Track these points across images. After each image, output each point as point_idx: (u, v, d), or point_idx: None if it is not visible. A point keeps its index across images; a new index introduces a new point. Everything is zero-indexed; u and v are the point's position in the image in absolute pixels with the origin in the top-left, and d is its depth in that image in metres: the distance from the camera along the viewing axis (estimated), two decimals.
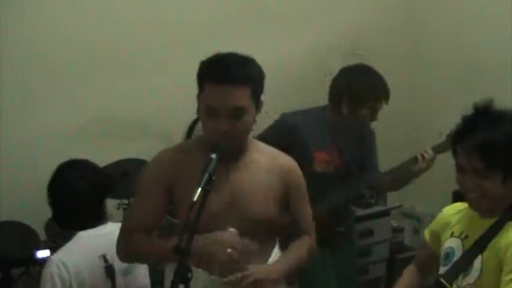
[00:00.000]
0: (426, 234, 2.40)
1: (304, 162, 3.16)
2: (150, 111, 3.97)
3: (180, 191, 2.30)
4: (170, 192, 2.32)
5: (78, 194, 2.62)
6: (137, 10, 3.93)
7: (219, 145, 2.15)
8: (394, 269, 4.39)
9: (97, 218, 2.68)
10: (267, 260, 2.35)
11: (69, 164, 2.72)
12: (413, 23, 4.75)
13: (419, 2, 4.75)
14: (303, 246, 2.45)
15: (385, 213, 4.53)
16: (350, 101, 3.16)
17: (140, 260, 2.50)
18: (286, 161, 2.43)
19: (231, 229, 2.21)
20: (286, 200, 2.39)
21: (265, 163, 2.35)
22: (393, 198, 4.57)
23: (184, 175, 2.29)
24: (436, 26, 4.66)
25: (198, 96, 2.28)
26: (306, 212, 2.50)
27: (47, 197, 2.68)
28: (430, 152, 3.14)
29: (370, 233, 4.33)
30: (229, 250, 2.19)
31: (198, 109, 2.31)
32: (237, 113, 2.19)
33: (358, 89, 3.16)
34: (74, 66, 3.79)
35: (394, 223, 4.62)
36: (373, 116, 3.20)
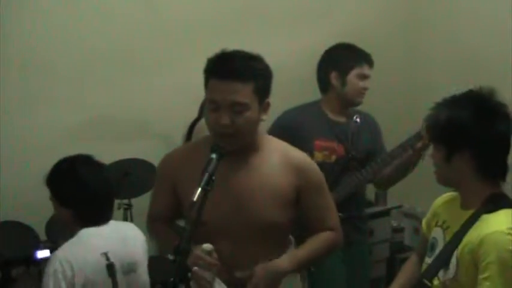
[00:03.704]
0: (423, 224, 2.44)
1: (305, 150, 3.22)
2: (150, 111, 3.97)
3: (182, 187, 2.35)
4: (175, 188, 2.39)
5: (98, 187, 2.62)
6: (137, 10, 3.93)
7: (219, 145, 2.15)
8: (394, 269, 4.39)
9: (109, 213, 2.68)
10: None
11: (81, 160, 2.70)
12: (413, 23, 4.75)
13: (419, 1, 4.75)
14: (322, 240, 2.41)
15: (385, 213, 4.54)
16: (337, 70, 3.32)
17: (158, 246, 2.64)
18: (299, 156, 2.39)
19: (204, 245, 2.17)
20: (298, 201, 2.35)
21: (276, 162, 2.32)
22: (393, 198, 4.57)
23: (187, 172, 2.32)
24: (435, 26, 4.66)
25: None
26: (328, 207, 2.44)
27: (62, 195, 2.63)
28: None
29: (370, 233, 4.32)
30: (195, 268, 2.15)
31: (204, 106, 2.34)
32: (238, 108, 2.20)
33: (341, 56, 3.36)
34: (74, 66, 3.79)
35: (394, 223, 4.62)
36: (363, 84, 3.30)
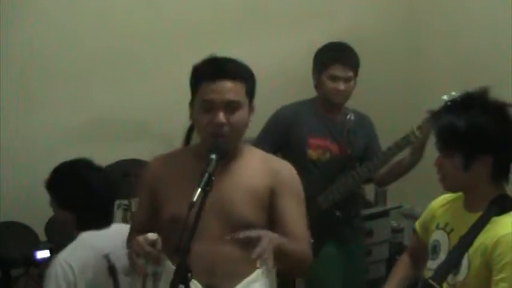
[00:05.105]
0: (417, 225, 2.43)
1: (299, 148, 3.23)
2: (150, 111, 3.97)
3: (162, 193, 2.33)
4: (156, 197, 2.35)
5: (98, 192, 2.62)
6: (137, 10, 3.93)
7: (218, 145, 2.16)
8: None
9: (110, 217, 2.69)
10: (253, 268, 2.27)
11: (83, 163, 2.69)
12: (413, 23, 4.75)
13: (419, 2, 4.75)
14: (299, 245, 2.29)
15: (385, 214, 4.53)
16: (313, 72, 3.32)
17: None
18: (279, 162, 2.42)
19: (149, 234, 2.15)
20: (271, 204, 2.31)
21: (257, 165, 2.35)
22: (393, 199, 4.57)
23: (167, 178, 2.33)
24: (435, 26, 4.66)
25: (191, 103, 2.32)
26: (299, 218, 2.34)
27: (64, 198, 2.63)
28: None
29: (369, 233, 4.32)
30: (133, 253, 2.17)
31: (191, 114, 2.34)
32: (232, 106, 2.24)
33: (317, 57, 3.35)
34: (74, 66, 3.78)
35: (394, 223, 4.62)
36: (334, 85, 3.22)
